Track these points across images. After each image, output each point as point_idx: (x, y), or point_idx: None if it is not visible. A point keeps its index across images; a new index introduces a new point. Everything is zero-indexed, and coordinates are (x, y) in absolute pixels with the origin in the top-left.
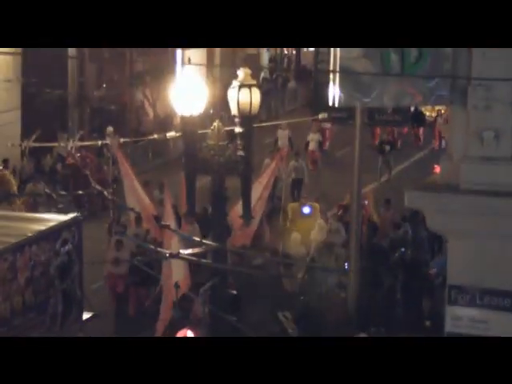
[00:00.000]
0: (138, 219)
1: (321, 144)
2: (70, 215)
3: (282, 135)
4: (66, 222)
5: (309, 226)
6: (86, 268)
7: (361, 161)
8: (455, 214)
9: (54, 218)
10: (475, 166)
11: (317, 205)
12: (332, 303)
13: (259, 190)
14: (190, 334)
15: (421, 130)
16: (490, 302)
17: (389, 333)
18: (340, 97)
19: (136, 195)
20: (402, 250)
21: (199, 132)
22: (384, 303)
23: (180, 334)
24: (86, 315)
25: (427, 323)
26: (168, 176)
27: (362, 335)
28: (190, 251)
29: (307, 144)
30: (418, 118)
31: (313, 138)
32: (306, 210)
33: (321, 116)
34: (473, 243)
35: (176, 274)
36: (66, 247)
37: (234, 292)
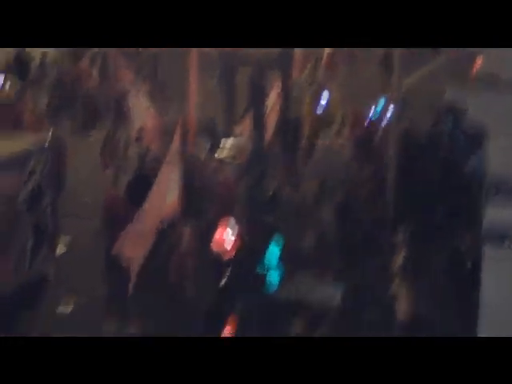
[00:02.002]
0: (140, 136)
1: None
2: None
3: None
4: (34, 148)
5: None
6: None
7: None
8: (496, 110)
9: (19, 146)
10: None
11: None
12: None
13: None
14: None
15: None
16: None
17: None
18: None
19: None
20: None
21: None
22: (421, 200)
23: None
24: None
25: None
26: None
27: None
28: None
29: None
30: None
31: None
32: None
33: None
34: None
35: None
36: (34, 176)
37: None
